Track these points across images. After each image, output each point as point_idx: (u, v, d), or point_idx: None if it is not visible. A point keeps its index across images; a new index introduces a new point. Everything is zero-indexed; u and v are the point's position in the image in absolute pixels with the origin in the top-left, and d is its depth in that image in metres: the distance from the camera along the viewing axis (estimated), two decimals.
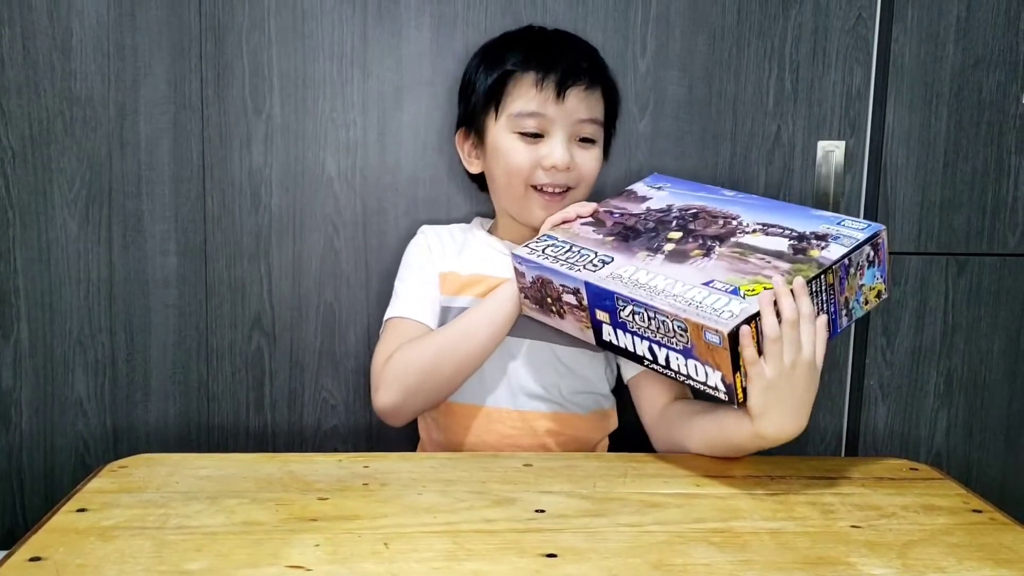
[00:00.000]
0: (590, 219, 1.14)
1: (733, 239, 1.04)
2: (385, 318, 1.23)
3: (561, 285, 1.06)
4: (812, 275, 0.96)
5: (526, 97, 1.17)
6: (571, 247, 1.09)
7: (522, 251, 1.10)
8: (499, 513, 0.89)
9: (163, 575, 0.76)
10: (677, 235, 1.07)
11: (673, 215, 1.12)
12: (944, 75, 1.37)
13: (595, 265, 1.05)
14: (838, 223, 1.04)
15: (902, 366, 1.42)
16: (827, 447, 1.44)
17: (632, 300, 0.98)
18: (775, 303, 0.93)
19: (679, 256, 1.03)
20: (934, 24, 1.36)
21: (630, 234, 1.10)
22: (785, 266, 0.98)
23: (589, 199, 1.20)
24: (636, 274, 1.02)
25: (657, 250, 1.05)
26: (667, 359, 0.98)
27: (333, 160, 1.36)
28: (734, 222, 1.08)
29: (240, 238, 1.37)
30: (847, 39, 1.37)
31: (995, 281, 1.41)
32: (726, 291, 0.95)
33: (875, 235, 1.01)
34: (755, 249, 1.02)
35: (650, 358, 1.00)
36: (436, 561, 0.79)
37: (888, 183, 1.39)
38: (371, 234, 1.38)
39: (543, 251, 1.09)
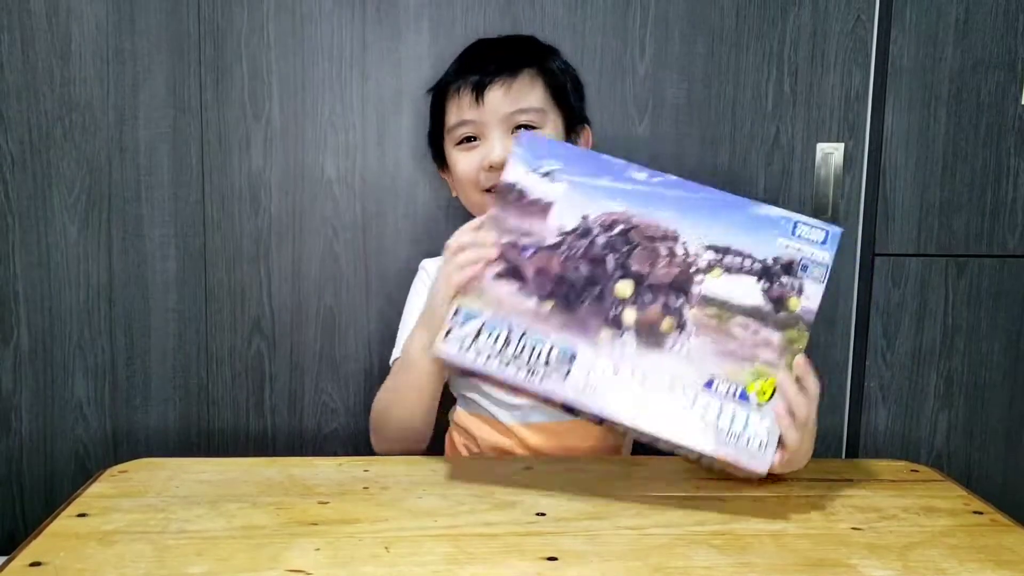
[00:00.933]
0: (503, 265, 0.93)
1: (695, 289, 0.91)
2: (390, 362, 1.22)
3: (513, 387, 0.91)
4: (805, 343, 0.90)
5: (453, 109, 1.18)
6: (509, 330, 0.91)
7: (446, 348, 0.91)
8: (500, 516, 0.89)
9: None
10: (627, 290, 0.92)
11: (599, 244, 0.93)
12: (943, 77, 1.37)
13: (560, 364, 0.90)
14: (793, 233, 0.92)
15: (902, 368, 1.42)
16: (828, 449, 1.44)
17: (639, 431, 0.90)
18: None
19: (650, 335, 0.91)
20: (933, 26, 1.36)
21: (570, 293, 0.92)
22: (775, 337, 0.90)
23: None
24: (619, 379, 0.90)
25: (618, 324, 0.91)
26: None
27: (332, 163, 1.36)
28: (679, 249, 0.92)
29: (240, 242, 1.37)
30: (846, 41, 1.37)
31: (995, 283, 1.41)
32: (734, 397, 0.89)
33: (837, 245, 0.92)
34: (730, 309, 0.91)
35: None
36: (437, 565, 0.79)
37: (887, 185, 1.39)
38: (370, 237, 1.38)
39: (473, 344, 0.91)
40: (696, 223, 0.93)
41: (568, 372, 0.90)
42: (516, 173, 0.95)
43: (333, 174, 1.36)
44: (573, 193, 0.94)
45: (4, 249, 1.34)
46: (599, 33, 1.35)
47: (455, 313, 0.92)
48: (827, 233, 0.92)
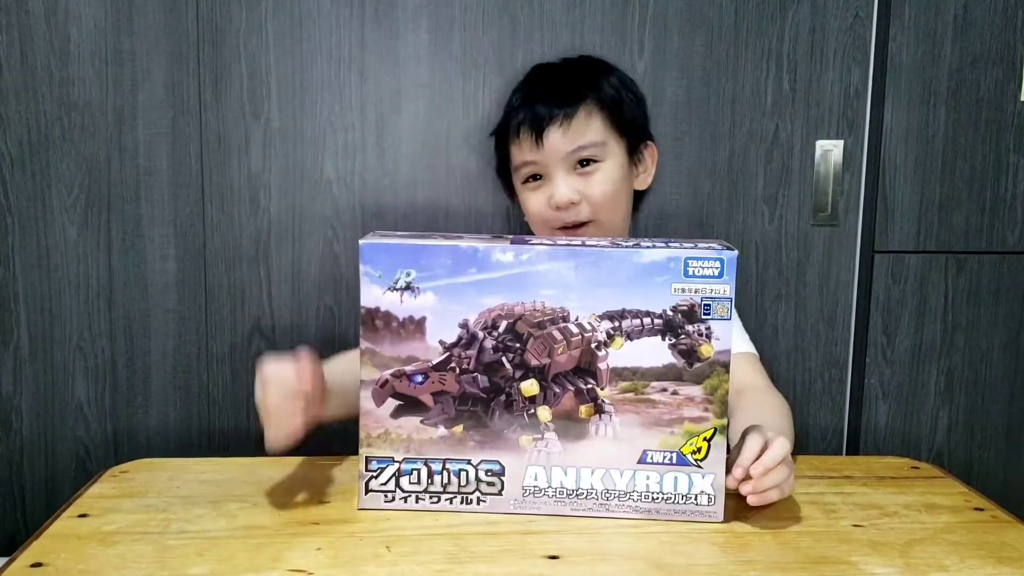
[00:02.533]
0: (398, 402, 0.89)
1: (602, 366, 0.87)
2: None
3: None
4: (728, 386, 0.87)
5: (516, 150, 1.20)
6: (427, 466, 0.89)
7: (370, 504, 0.90)
8: (501, 516, 0.89)
9: None
10: (533, 389, 0.88)
11: (489, 348, 0.87)
12: (942, 74, 1.37)
13: (489, 486, 0.89)
14: (686, 273, 0.86)
15: (902, 365, 1.42)
16: (828, 446, 1.44)
17: (584, 516, 0.89)
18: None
19: (571, 427, 0.88)
20: (931, 23, 1.36)
21: (476, 409, 0.88)
22: (696, 392, 0.87)
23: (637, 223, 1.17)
24: (552, 479, 0.88)
25: (535, 427, 0.88)
26: None
27: (331, 163, 1.36)
28: (573, 328, 0.87)
29: (239, 242, 1.37)
30: (845, 38, 1.37)
31: (995, 279, 1.41)
32: (672, 463, 0.88)
33: (735, 270, 0.87)
34: (643, 376, 0.87)
35: None
36: (438, 564, 0.79)
37: (887, 182, 1.39)
38: None
39: (396, 491, 0.90)
40: (582, 293, 0.86)
41: (502, 487, 0.89)
42: (372, 296, 0.88)
43: (332, 174, 1.36)
44: (443, 301, 0.87)
45: (4, 250, 1.34)
46: (597, 32, 1.35)
47: (366, 465, 0.89)
48: (721, 263, 0.86)
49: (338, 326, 1.39)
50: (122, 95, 1.33)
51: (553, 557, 0.81)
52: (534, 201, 1.19)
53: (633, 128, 1.22)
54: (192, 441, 1.39)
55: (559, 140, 1.15)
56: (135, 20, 1.32)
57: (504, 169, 1.27)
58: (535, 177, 1.19)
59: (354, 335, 1.37)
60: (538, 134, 1.15)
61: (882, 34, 1.36)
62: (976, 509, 0.94)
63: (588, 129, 1.17)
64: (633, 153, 1.22)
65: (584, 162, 1.16)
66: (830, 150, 1.38)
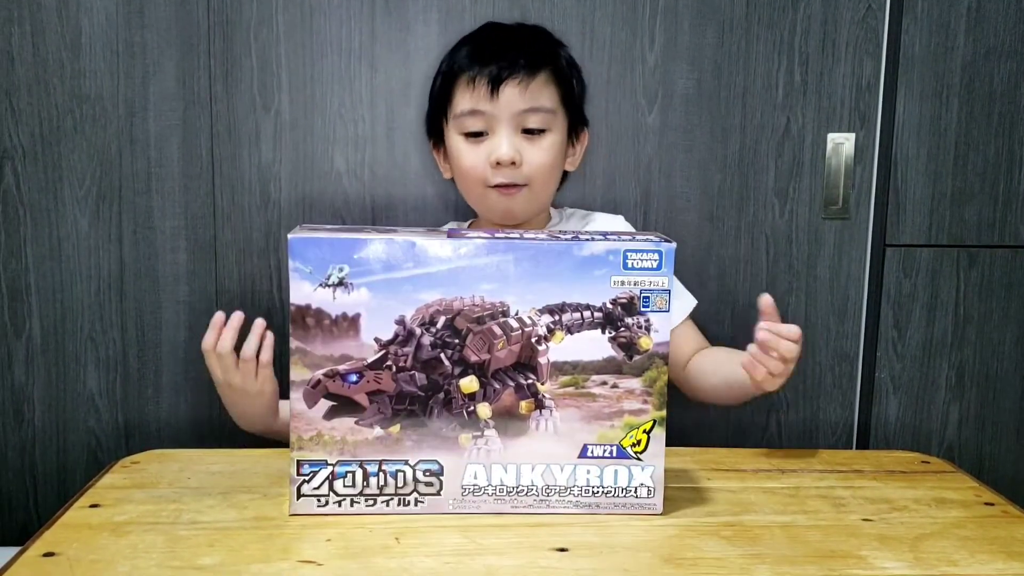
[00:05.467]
0: (332, 403, 0.86)
1: (542, 360, 0.86)
2: None
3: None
4: (667, 377, 0.87)
5: (464, 96, 1.18)
6: (362, 468, 0.86)
7: (302, 509, 0.87)
8: (510, 507, 0.89)
9: (176, 570, 0.76)
10: (473, 385, 0.86)
11: (427, 345, 0.85)
12: (955, 66, 1.36)
13: (427, 487, 0.87)
14: (625, 265, 0.85)
15: (913, 359, 1.42)
16: (838, 440, 1.44)
17: (527, 513, 0.88)
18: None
19: (511, 423, 0.87)
20: (944, 15, 1.35)
21: (414, 408, 0.86)
22: (635, 384, 0.87)
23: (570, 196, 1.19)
24: (492, 476, 0.87)
25: (475, 425, 0.86)
26: None
27: (342, 156, 1.36)
28: (513, 323, 0.85)
29: (250, 234, 1.37)
30: (857, 30, 1.36)
31: (1007, 273, 1.40)
32: (612, 456, 0.88)
33: (673, 262, 0.86)
34: (583, 369, 0.86)
35: None
36: (447, 555, 0.79)
37: (898, 175, 1.38)
38: None
39: (330, 495, 0.87)
40: (522, 287, 0.85)
41: (440, 487, 0.87)
42: (303, 293, 0.84)
43: (342, 166, 1.37)
44: (378, 296, 0.84)
45: (16, 242, 1.35)
46: (608, 23, 1.35)
47: (298, 469, 0.86)
48: (660, 255, 0.85)
49: None
50: (133, 87, 1.33)
51: (562, 550, 0.81)
52: (471, 155, 1.18)
53: (576, 107, 1.25)
54: (203, 432, 1.40)
55: (515, 96, 1.15)
56: (146, 12, 1.32)
57: (436, 116, 1.25)
58: (478, 134, 1.18)
59: None
60: (495, 85, 1.15)
61: (894, 26, 1.36)
62: (986, 504, 0.94)
63: (543, 95, 1.17)
64: (571, 132, 1.24)
65: (531, 131, 1.17)
66: (842, 143, 1.38)
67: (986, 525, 0.88)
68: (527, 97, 1.16)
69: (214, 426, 1.40)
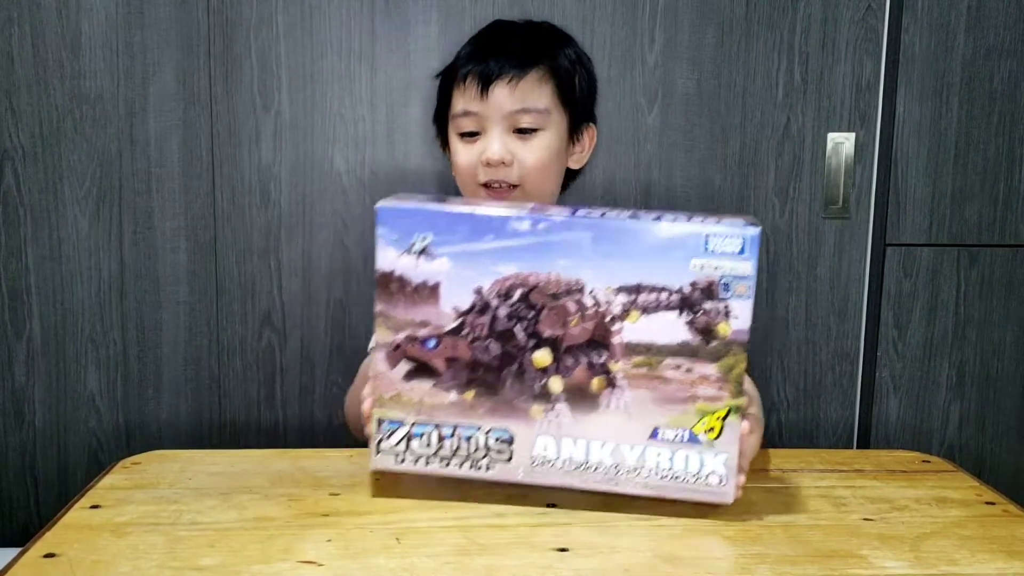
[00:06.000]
0: (410, 364, 0.88)
1: (616, 340, 0.85)
2: (368, 348, 1.24)
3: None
4: (744, 366, 0.85)
5: (459, 97, 1.17)
6: (437, 431, 0.88)
7: (381, 463, 0.89)
8: (510, 507, 0.89)
9: (176, 571, 0.76)
10: (546, 359, 0.86)
11: (503, 317, 0.86)
12: (955, 65, 1.36)
13: (498, 454, 0.88)
14: (706, 249, 0.83)
15: (914, 358, 1.42)
16: (839, 439, 1.44)
17: (595, 492, 0.88)
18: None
19: (582, 399, 0.86)
20: (944, 14, 1.35)
21: (488, 376, 0.87)
22: (711, 370, 0.85)
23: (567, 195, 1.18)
24: (562, 450, 0.87)
25: (546, 397, 0.87)
26: None
27: (342, 156, 1.36)
28: (588, 300, 0.85)
29: (250, 234, 1.37)
30: (857, 30, 1.36)
31: (1007, 272, 1.40)
32: (683, 441, 0.86)
33: (758, 248, 0.84)
34: (657, 352, 0.85)
35: None
36: (448, 556, 0.79)
37: (899, 175, 1.38)
38: None
39: (407, 452, 0.89)
40: (598, 265, 0.84)
41: (511, 455, 0.88)
42: (388, 259, 0.86)
43: (343, 167, 1.37)
44: (458, 267, 0.85)
45: (16, 243, 1.35)
46: (608, 23, 1.35)
47: (378, 426, 0.89)
48: (744, 240, 0.82)
49: (348, 319, 1.39)
50: (133, 88, 1.33)
51: (563, 550, 0.81)
52: (465, 154, 1.17)
53: (579, 105, 1.21)
54: (203, 433, 1.40)
55: (504, 96, 1.13)
56: (146, 13, 1.32)
57: (442, 117, 1.23)
58: (471, 134, 1.16)
59: (364, 327, 1.38)
60: (485, 85, 1.13)
61: (894, 25, 1.36)
62: (987, 503, 0.94)
63: (535, 94, 1.15)
64: (574, 130, 1.20)
65: (523, 130, 1.15)
66: (842, 142, 1.38)
67: (987, 524, 0.88)
68: (517, 97, 1.14)
69: (214, 427, 1.40)
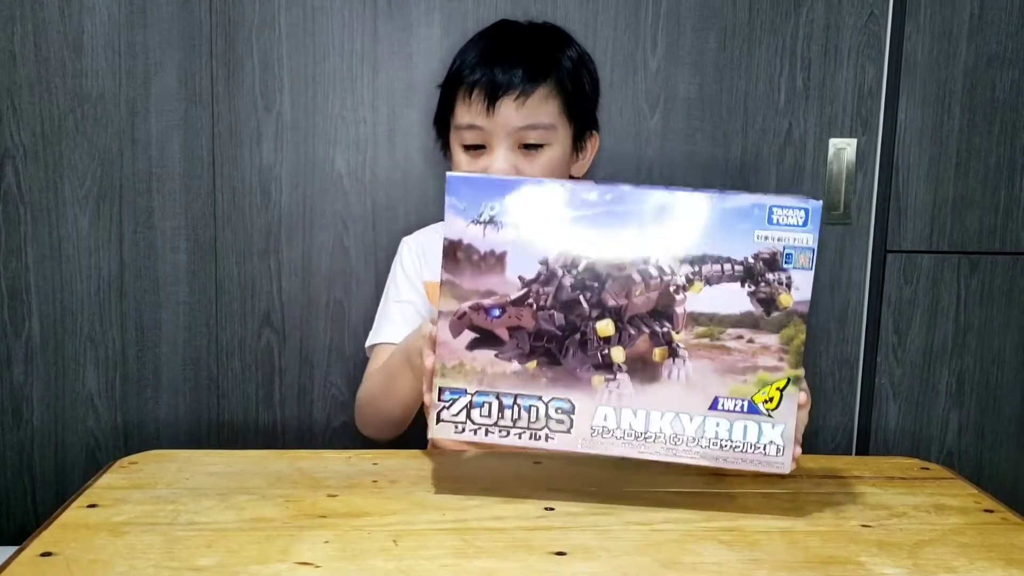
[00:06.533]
0: (474, 333, 0.88)
1: (679, 310, 0.86)
2: (366, 345, 1.24)
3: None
4: (804, 336, 0.86)
5: (463, 109, 1.15)
6: (499, 399, 0.88)
7: (440, 433, 0.88)
8: (508, 511, 0.89)
9: (173, 571, 0.76)
10: (609, 329, 0.87)
11: (567, 286, 0.86)
12: (957, 73, 1.36)
13: (559, 424, 0.88)
14: (770, 220, 0.84)
15: (913, 365, 1.41)
16: (838, 445, 1.44)
17: (654, 461, 0.88)
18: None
19: (644, 369, 0.87)
20: (947, 21, 1.35)
21: (551, 346, 0.87)
22: (772, 341, 0.86)
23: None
24: (622, 420, 0.87)
25: (609, 367, 0.87)
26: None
27: (343, 157, 1.36)
28: (652, 270, 0.86)
29: (250, 235, 1.37)
30: (859, 36, 1.36)
31: (1007, 280, 1.40)
32: (743, 411, 0.87)
33: (820, 220, 0.85)
34: (719, 322, 0.86)
35: None
36: (445, 558, 0.79)
37: (900, 181, 1.38)
38: (380, 231, 1.38)
39: (467, 422, 0.88)
40: (663, 235, 0.85)
41: (571, 425, 0.88)
42: (456, 228, 0.86)
43: (343, 168, 1.37)
44: (524, 236, 0.86)
45: (16, 241, 1.35)
46: (611, 28, 1.35)
47: (439, 395, 0.88)
48: (806, 212, 0.84)
49: (348, 320, 1.39)
50: (135, 87, 1.33)
51: (560, 553, 0.81)
52: (469, 168, 1.16)
53: (583, 116, 1.20)
54: (201, 433, 1.39)
55: (511, 113, 1.12)
56: (148, 12, 1.32)
57: (443, 120, 1.22)
58: (476, 147, 1.16)
59: (364, 328, 1.38)
60: (491, 101, 1.12)
61: (897, 32, 1.36)
62: (986, 511, 0.94)
63: (542, 110, 1.14)
64: (578, 140, 1.20)
65: (529, 146, 1.14)
66: (843, 148, 1.38)
67: (985, 532, 0.88)
68: (524, 114, 1.13)
69: (213, 427, 1.40)
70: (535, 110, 1.13)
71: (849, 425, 1.44)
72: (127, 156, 1.34)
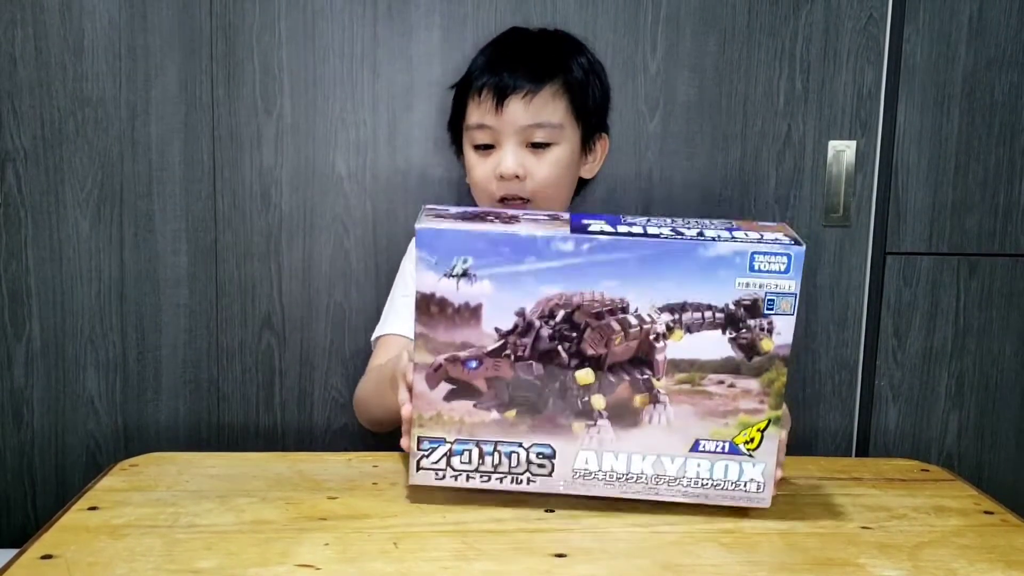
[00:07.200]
0: (451, 385, 0.87)
1: (659, 357, 0.85)
2: (372, 338, 1.24)
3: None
4: (785, 379, 0.86)
5: (474, 109, 1.18)
6: (478, 448, 0.88)
7: (421, 480, 0.89)
8: (508, 513, 0.89)
9: (173, 574, 0.76)
10: (589, 378, 0.86)
11: (545, 337, 0.85)
12: (956, 76, 1.36)
13: (540, 468, 0.88)
14: (752, 268, 0.84)
15: (913, 367, 1.41)
16: (838, 448, 1.44)
17: (636, 500, 0.89)
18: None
19: (625, 416, 0.87)
20: (946, 24, 1.35)
21: (530, 396, 0.87)
22: (753, 385, 0.85)
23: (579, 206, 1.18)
24: (604, 463, 0.88)
25: (589, 413, 0.87)
26: None
27: (343, 160, 1.36)
28: (632, 319, 0.85)
29: (250, 238, 1.37)
30: (858, 39, 1.36)
31: (1007, 283, 1.40)
32: (724, 452, 0.87)
33: (802, 266, 0.85)
34: (700, 368, 0.85)
35: None
36: (445, 560, 0.79)
37: (899, 184, 1.38)
38: (381, 234, 1.38)
39: (447, 469, 0.88)
40: (643, 285, 0.84)
41: (552, 469, 0.88)
42: (428, 282, 0.84)
43: (344, 171, 1.37)
44: (500, 289, 0.84)
45: (17, 244, 1.35)
46: (610, 30, 1.35)
47: (418, 444, 0.88)
48: (789, 258, 0.84)
49: (348, 323, 1.39)
50: (135, 90, 1.33)
51: (560, 555, 0.81)
52: (480, 168, 1.18)
53: (592, 117, 1.22)
54: (201, 436, 1.40)
55: (519, 111, 1.15)
56: (149, 16, 1.32)
57: (456, 124, 1.25)
58: (486, 146, 1.18)
59: (364, 331, 1.38)
60: (500, 100, 1.15)
61: (896, 35, 1.36)
62: (986, 512, 0.94)
63: (549, 109, 1.16)
64: (587, 141, 1.22)
65: (537, 144, 1.16)
66: (843, 151, 1.38)
67: (985, 534, 0.88)
68: (531, 112, 1.15)
69: (213, 429, 1.40)
70: (542, 109, 1.16)
71: (849, 427, 1.44)
72: (127, 159, 1.35)
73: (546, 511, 0.90)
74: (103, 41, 1.32)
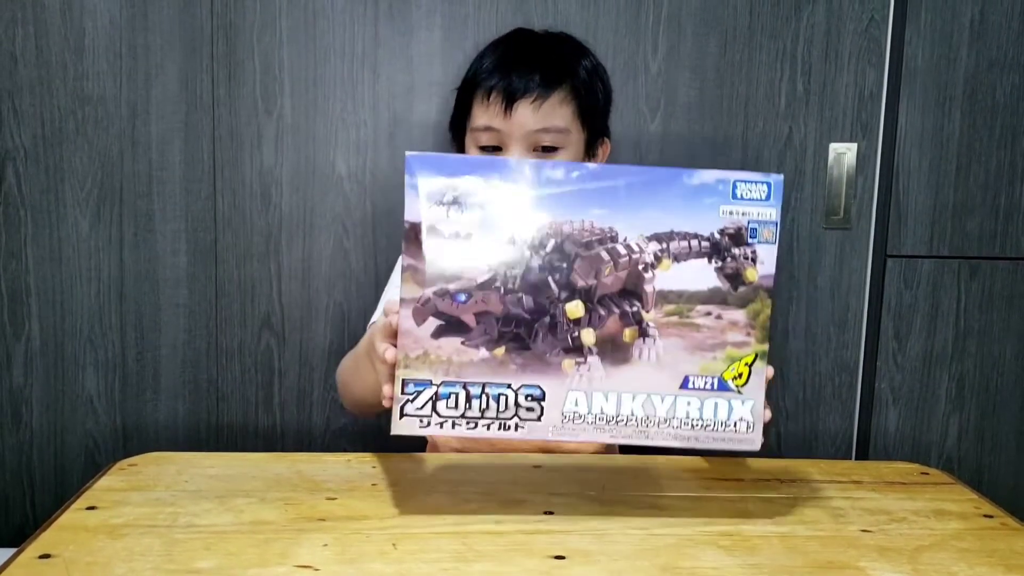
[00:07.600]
0: (439, 321, 0.84)
1: (648, 288, 0.85)
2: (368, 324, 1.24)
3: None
4: (770, 311, 0.86)
5: (480, 111, 1.17)
6: (466, 389, 0.85)
7: (404, 427, 0.84)
8: (508, 515, 0.89)
9: (172, 574, 0.76)
10: (579, 310, 0.85)
11: (535, 268, 0.84)
12: (957, 78, 1.36)
13: (528, 412, 0.86)
14: (734, 195, 0.85)
15: (913, 370, 1.41)
16: (837, 450, 1.43)
17: (624, 443, 0.87)
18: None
19: (614, 351, 0.86)
20: (947, 26, 1.35)
21: (520, 331, 0.85)
22: (739, 316, 0.86)
23: None
24: (593, 405, 0.86)
25: (579, 349, 0.85)
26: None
27: (343, 160, 1.36)
28: (621, 249, 0.85)
29: (250, 238, 1.37)
30: (860, 41, 1.36)
31: (1008, 285, 1.40)
32: (713, 389, 0.87)
33: (782, 194, 0.86)
34: (688, 299, 0.85)
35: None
36: (444, 562, 0.79)
37: (900, 186, 1.38)
38: (380, 234, 1.38)
39: (432, 416, 0.85)
40: (631, 213, 0.84)
41: (541, 413, 0.86)
42: (418, 210, 0.82)
43: (344, 171, 1.37)
44: (490, 216, 0.83)
45: (16, 243, 1.35)
46: (612, 31, 1.35)
47: (402, 388, 0.84)
48: (769, 186, 0.85)
49: (347, 323, 1.39)
50: (136, 90, 1.33)
51: (559, 557, 0.80)
52: None
53: (595, 122, 1.22)
54: (200, 435, 1.39)
55: (528, 116, 1.15)
56: (149, 15, 1.32)
57: (458, 125, 1.24)
58: (493, 148, 1.17)
59: (363, 331, 1.37)
60: (509, 103, 1.14)
61: (898, 37, 1.36)
62: (986, 516, 0.94)
63: (557, 114, 1.16)
64: (590, 145, 1.22)
65: (544, 148, 1.16)
66: (844, 153, 1.38)
67: (985, 537, 0.88)
68: (540, 116, 1.15)
69: (212, 429, 1.39)
70: (550, 114, 1.16)
71: (849, 430, 1.43)
72: (128, 159, 1.35)
73: (545, 513, 0.90)
74: (104, 40, 1.32)
